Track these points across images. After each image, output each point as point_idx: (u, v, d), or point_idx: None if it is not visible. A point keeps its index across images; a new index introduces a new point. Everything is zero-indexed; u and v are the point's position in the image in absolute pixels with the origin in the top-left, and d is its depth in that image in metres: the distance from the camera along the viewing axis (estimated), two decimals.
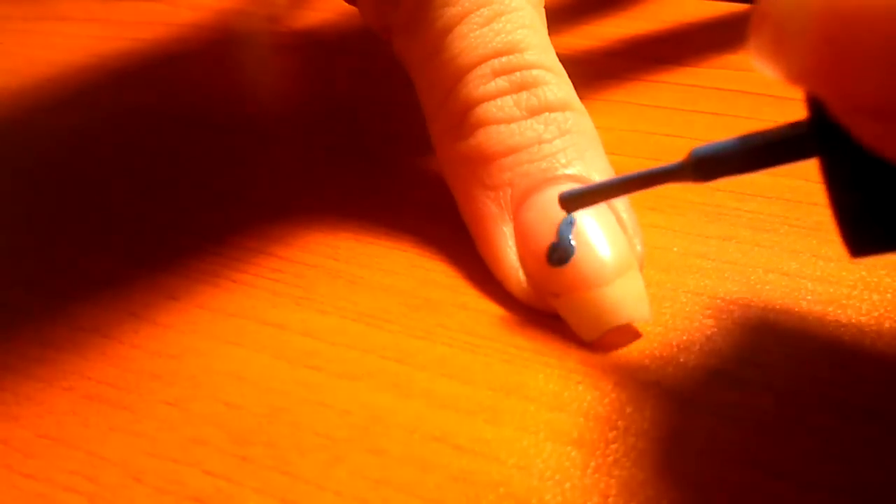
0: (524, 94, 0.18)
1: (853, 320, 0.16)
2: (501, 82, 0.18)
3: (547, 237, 0.17)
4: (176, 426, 0.16)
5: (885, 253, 0.12)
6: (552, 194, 0.17)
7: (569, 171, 0.18)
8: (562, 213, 0.17)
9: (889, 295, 0.17)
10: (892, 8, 0.09)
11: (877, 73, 0.10)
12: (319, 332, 0.18)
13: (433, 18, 0.19)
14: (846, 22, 0.10)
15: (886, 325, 0.16)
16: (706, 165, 0.13)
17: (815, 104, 0.12)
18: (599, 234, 0.17)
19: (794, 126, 0.13)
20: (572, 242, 0.17)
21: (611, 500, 0.14)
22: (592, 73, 0.27)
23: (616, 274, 0.16)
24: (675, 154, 0.22)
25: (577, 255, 0.17)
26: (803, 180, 0.20)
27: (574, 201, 0.16)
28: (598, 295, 0.16)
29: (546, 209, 0.17)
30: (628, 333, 0.17)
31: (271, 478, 0.15)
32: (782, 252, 0.18)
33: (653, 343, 0.16)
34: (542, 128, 0.18)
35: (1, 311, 0.20)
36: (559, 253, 0.17)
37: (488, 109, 0.18)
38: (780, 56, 0.11)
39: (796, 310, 0.17)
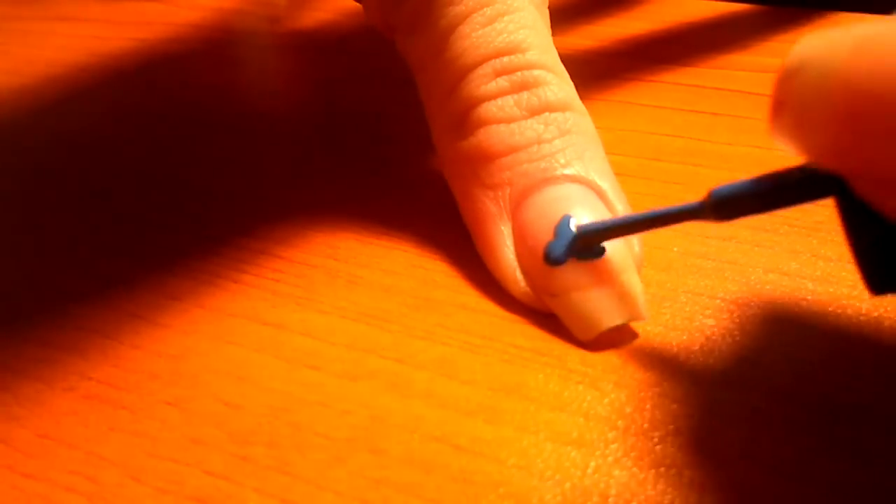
0: (525, 94, 0.18)
1: (853, 320, 0.16)
2: (502, 82, 0.18)
3: (544, 237, 0.17)
4: (176, 426, 0.16)
5: None
6: (550, 194, 0.18)
7: (567, 171, 0.18)
8: (560, 214, 0.17)
9: (889, 295, 0.17)
10: None
11: (892, 151, 0.10)
12: (319, 332, 0.18)
13: (436, 18, 0.19)
14: (862, 105, 0.10)
15: (886, 325, 0.16)
16: (726, 206, 0.14)
17: None
18: None
19: (813, 167, 0.13)
20: (569, 243, 0.17)
21: (611, 500, 0.14)
22: (593, 73, 0.27)
23: (613, 274, 0.16)
24: (675, 154, 0.23)
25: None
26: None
27: (591, 236, 0.16)
28: (595, 295, 0.16)
29: (544, 209, 0.17)
30: (625, 334, 0.17)
31: (271, 478, 0.15)
32: (782, 252, 0.18)
33: (653, 343, 0.17)
34: (542, 128, 0.18)
35: (1, 311, 0.20)
36: (556, 253, 0.17)
37: (489, 109, 0.18)
38: (801, 138, 0.12)
39: (796, 310, 0.17)
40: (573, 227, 0.17)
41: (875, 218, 0.12)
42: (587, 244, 0.16)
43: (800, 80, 0.12)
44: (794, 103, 0.12)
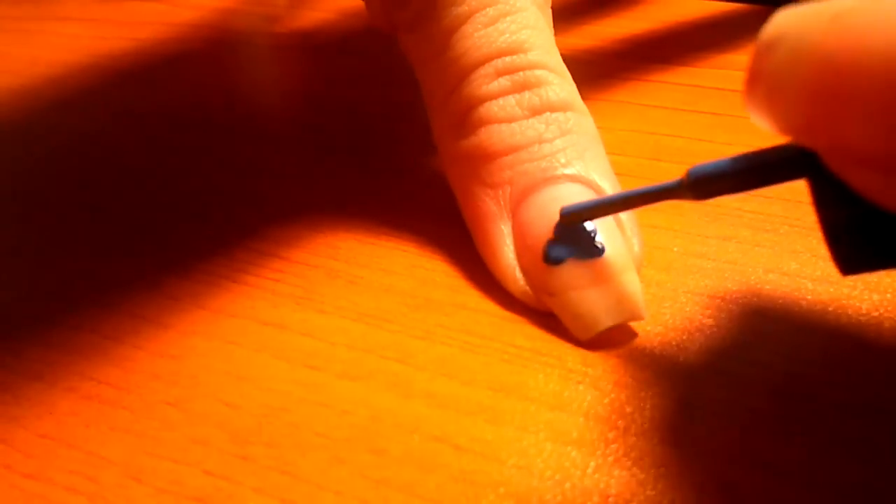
0: (526, 94, 0.18)
1: (853, 320, 0.16)
2: (504, 82, 0.18)
3: (544, 236, 0.17)
4: (176, 426, 0.16)
5: (874, 270, 0.12)
6: (551, 194, 0.18)
7: (568, 171, 0.18)
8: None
9: (889, 295, 0.17)
10: (882, 64, 0.10)
11: (867, 125, 0.10)
12: (319, 332, 0.18)
13: (439, 17, 0.19)
14: (838, 79, 0.10)
15: (886, 325, 0.16)
16: (702, 185, 0.14)
17: None
18: (596, 234, 0.17)
19: (786, 148, 0.13)
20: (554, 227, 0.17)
21: (611, 500, 0.14)
22: (593, 73, 0.27)
23: (612, 274, 0.16)
24: (675, 154, 0.23)
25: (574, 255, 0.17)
26: (803, 180, 0.20)
27: (574, 215, 0.16)
28: (593, 294, 0.16)
29: (544, 208, 0.17)
30: (625, 334, 0.17)
31: (271, 478, 0.15)
32: (782, 252, 0.19)
33: (653, 343, 0.17)
34: (543, 127, 0.18)
35: (1, 311, 0.20)
36: (556, 252, 0.17)
37: (490, 108, 0.18)
38: (775, 112, 0.12)
39: (796, 310, 0.17)
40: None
41: (847, 196, 0.12)
42: (570, 224, 0.17)
43: (775, 53, 0.11)
44: (768, 77, 0.12)
